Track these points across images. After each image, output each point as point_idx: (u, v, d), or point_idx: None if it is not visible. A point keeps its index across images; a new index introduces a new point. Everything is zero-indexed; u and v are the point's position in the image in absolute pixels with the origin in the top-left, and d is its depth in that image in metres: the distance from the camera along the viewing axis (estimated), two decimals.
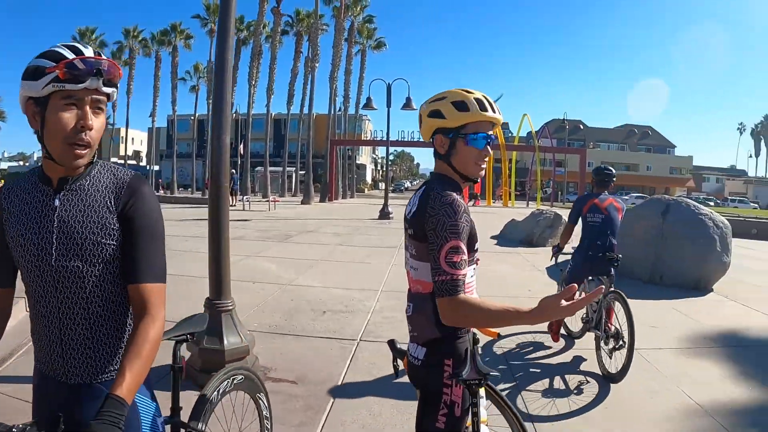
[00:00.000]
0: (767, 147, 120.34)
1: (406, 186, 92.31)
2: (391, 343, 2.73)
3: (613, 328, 5.90)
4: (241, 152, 48.53)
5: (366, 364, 5.66)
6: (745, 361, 6.37)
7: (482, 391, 2.62)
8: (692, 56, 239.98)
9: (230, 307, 5.17)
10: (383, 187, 41.48)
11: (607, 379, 5.59)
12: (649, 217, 11.31)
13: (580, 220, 6.74)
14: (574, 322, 6.97)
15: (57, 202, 1.80)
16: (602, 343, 5.92)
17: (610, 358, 5.72)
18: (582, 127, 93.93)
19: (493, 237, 17.11)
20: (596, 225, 6.56)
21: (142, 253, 1.84)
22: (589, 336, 6.47)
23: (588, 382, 5.60)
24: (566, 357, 6.45)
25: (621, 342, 5.67)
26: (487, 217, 24.74)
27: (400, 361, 2.68)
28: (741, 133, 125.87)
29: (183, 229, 17.16)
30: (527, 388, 5.33)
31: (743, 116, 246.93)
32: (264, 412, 3.11)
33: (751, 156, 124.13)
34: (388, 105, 25.04)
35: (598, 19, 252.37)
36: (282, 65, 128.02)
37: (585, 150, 53.23)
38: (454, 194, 2.30)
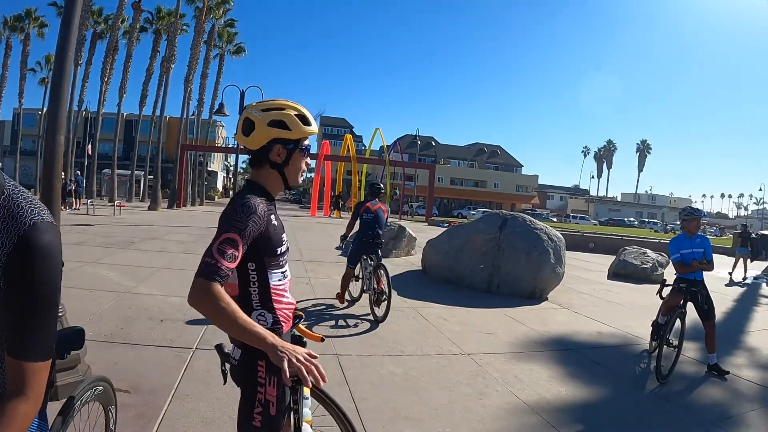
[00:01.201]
0: (608, 169, 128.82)
1: None
2: (219, 347, 2.67)
3: (380, 288, 8.63)
4: (89, 152, 46.33)
5: (201, 372, 5.58)
6: (572, 363, 6.93)
7: (306, 392, 2.68)
8: (544, 83, 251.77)
9: (60, 313, 4.98)
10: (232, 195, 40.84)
11: (377, 322, 8.24)
12: (487, 231, 11.90)
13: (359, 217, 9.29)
14: (355, 290, 9.78)
15: None
16: (373, 299, 8.70)
17: (378, 307, 8.53)
18: (434, 143, 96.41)
19: (337, 247, 17.16)
20: (368, 221, 9.19)
21: (27, 325, 1.57)
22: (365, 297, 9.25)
23: (363, 322, 8.23)
24: (350, 311, 9.14)
25: (384, 296, 8.45)
26: (333, 228, 25.04)
27: (227, 365, 2.66)
28: (585, 155, 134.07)
29: None
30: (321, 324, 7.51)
31: (588, 140, 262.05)
32: (111, 425, 3.01)
33: (593, 177, 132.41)
34: (241, 111, 24.73)
35: (453, 39, 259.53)
36: (138, 64, 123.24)
37: (434, 165, 54.67)
38: (257, 199, 2.41)
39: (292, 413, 2.57)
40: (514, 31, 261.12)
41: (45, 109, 54.67)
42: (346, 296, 9.56)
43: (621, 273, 16.14)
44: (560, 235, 11.96)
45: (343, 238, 9.69)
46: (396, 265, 14.25)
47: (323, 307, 9.28)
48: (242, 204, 2.36)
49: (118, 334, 6.75)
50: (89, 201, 30.13)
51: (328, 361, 6.21)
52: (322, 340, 2.72)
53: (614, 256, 17.48)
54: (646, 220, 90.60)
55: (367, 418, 4.81)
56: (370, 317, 8.49)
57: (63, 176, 34.27)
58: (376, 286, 8.72)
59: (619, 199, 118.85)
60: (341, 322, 8.28)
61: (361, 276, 9.47)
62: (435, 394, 5.48)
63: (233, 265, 2.25)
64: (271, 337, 2.14)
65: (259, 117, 2.46)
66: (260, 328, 2.16)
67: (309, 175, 73.64)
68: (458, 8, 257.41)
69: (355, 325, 8.08)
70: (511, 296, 10.97)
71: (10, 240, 1.58)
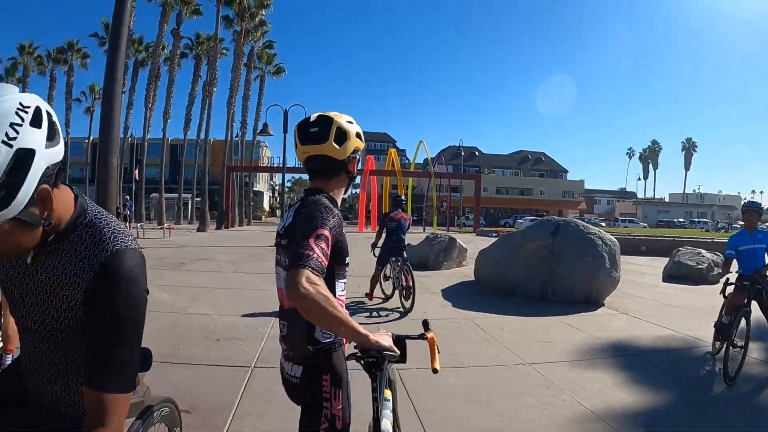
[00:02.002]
0: (654, 170, 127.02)
1: None
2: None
3: (408, 284, 10.01)
4: (137, 177, 47.14)
5: (260, 390, 5.51)
6: (634, 369, 6.67)
7: (387, 393, 2.76)
8: (584, 86, 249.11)
9: None
10: (280, 214, 41.09)
11: (405, 312, 9.66)
12: (539, 238, 11.69)
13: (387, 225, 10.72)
14: (387, 289, 11.21)
15: (29, 260, 1.62)
16: (402, 294, 10.11)
17: (407, 301, 9.92)
18: (477, 153, 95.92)
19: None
20: (393, 228, 10.64)
21: (108, 354, 1.52)
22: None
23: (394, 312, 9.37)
24: (382, 306, 10.44)
25: (411, 291, 9.85)
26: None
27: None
28: (630, 157, 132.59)
29: None
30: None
31: (632, 142, 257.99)
32: None
33: (639, 179, 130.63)
34: (285, 131, 24.92)
35: (489, 50, 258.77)
36: (180, 89, 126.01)
37: (479, 175, 54.69)
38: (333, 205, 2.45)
39: (372, 402, 2.50)
40: (552, 35, 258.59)
41: (92, 138, 56.27)
42: (380, 294, 11.20)
43: (676, 275, 15.71)
44: (614, 239, 11.67)
45: (374, 245, 11.09)
46: (448, 276, 14.17)
47: (379, 321, 9.17)
48: (325, 206, 2.37)
49: (175, 354, 6.74)
50: (139, 225, 30.54)
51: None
52: (435, 371, 2.60)
53: (667, 258, 17.09)
54: (696, 219, 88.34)
55: (432, 431, 4.69)
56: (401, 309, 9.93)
57: None
58: (404, 283, 10.14)
59: (667, 199, 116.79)
60: (374, 314, 9.33)
61: (390, 275, 11.03)
62: (499, 406, 5.32)
63: (326, 263, 2.17)
64: (363, 329, 2.19)
65: (349, 128, 2.55)
66: (355, 322, 2.17)
67: (355, 191, 74.14)
68: (499, 13, 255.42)
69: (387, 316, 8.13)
70: (566, 303, 10.70)
71: (93, 266, 1.55)
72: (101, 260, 1.55)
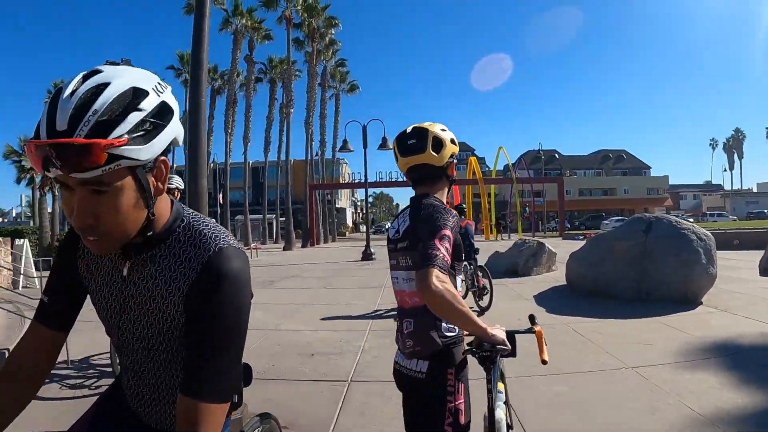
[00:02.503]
0: (740, 159, 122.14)
1: (386, 227, 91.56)
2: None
3: (482, 285, 11.07)
4: (221, 201, 48.34)
5: (359, 404, 5.48)
6: (742, 368, 6.31)
7: (501, 386, 2.92)
8: (659, 80, 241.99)
9: None
10: (364, 230, 41.42)
11: (482, 311, 10.38)
12: (631, 236, 11.34)
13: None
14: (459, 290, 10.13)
15: (125, 272, 1.58)
16: (476, 294, 11.12)
17: (481, 300, 10.94)
18: (557, 156, 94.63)
19: None
20: (462, 234, 9.86)
21: (208, 359, 1.43)
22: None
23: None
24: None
25: (486, 291, 11.00)
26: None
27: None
28: (713, 148, 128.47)
29: None
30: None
31: (714, 132, 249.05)
32: None
33: (725, 170, 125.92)
34: (365, 146, 24.92)
35: (576, 48, 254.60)
36: (258, 112, 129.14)
37: (562, 179, 53.75)
38: None
39: (486, 393, 2.62)
40: (624, 28, 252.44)
41: (175, 165, 58.15)
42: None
43: None
44: (709, 234, 11.16)
45: None
46: (539, 282, 13.94)
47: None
48: (443, 207, 2.55)
49: (270, 370, 6.80)
50: None
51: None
52: (545, 363, 2.72)
53: (762, 252, 16.23)
54: None
55: None
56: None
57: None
58: (477, 284, 11.09)
59: (755, 190, 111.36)
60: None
61: (463, 278, 10.26)
62: (604, 413, 5.12)
63: (450, 261, 2.38)
64: (483, 322, 2.40)
65: (444, 135, 2.70)
66: (475, 316, 2.36)
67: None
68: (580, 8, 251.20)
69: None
70: (662, 303, 10.26)
71: (194, 268, 1.49)
72: (203, 260, 1.49)
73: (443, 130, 2.73)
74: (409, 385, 2.60)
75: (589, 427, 4.81)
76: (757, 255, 16.73)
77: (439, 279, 2.20)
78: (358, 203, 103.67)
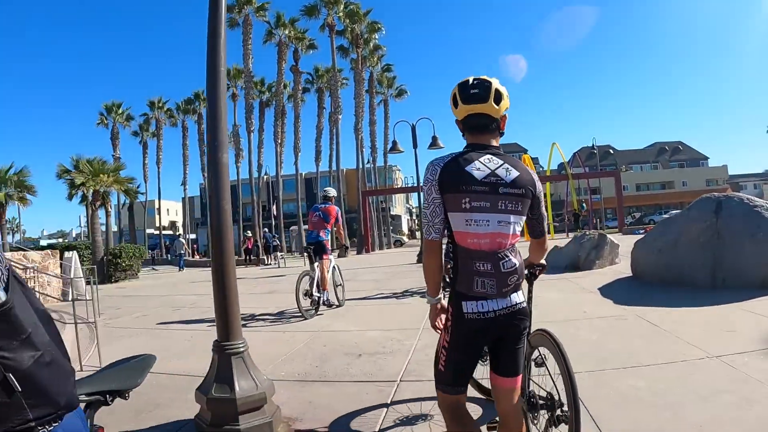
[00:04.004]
0: None
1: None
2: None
3: None
4: (274, 213, 48.60)
5: (407, 407, 4.90)
6: None
7: None
8: (712, 66, 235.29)
9: (241, 349, 4.49)
10: (419, 236, 40.75)
11: None
12: (701, 218, 10.45)
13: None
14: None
15: None
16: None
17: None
18: (612, 151, 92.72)
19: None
20: None
21: None
22: None
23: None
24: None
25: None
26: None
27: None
28: None
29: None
30: None
31: None
32: None
33: None
34: (415, 146, 24.06)
35: (609, 39, 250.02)
36: (306, 122, 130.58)
37: (618, 172, 51.94)
38: None
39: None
40: (676, 17, 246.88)
41: (230, 180, 59.06)
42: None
43: None
44: None
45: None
46: (603, 274, 13.12)
47: None
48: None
49: (313, 372, 6.33)
50: (279, 254, 31.06)
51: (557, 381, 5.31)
52: None
53: None
54: None
55: None
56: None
57: (250, 236, 36.13)
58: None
59: None
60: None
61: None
62: (693, 408, 4.40)
63: None
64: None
65: (503, 90, 2.87)
66: None
67: None
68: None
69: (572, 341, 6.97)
70: (740, 288, 9.30)
71: None
72: None
73: (502, 85, 2.88)
74: (511, 323, 2.83)
75: (680, 426, 4.11)
76: None
77: None
78: (413, 210, 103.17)
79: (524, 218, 2.91)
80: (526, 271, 3.22)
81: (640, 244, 12.00)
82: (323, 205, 10.92)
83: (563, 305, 9.58)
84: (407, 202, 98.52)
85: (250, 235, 38.32)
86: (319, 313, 10.18)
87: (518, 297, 2.83)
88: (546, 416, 3.42)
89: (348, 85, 51.92)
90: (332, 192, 11.29)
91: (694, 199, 11.62)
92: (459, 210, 2.75)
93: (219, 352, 4.44)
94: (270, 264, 31.29)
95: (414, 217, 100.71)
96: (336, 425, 4.63)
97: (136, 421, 4.89)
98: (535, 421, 3.46)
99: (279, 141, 49.69)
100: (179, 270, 30.41)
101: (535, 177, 2.91)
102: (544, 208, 3.03)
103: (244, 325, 9.36)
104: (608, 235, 15.72)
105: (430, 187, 2.82)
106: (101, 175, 24.11)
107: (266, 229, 44.42)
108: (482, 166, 2.78)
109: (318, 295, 10.18)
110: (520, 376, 2.97)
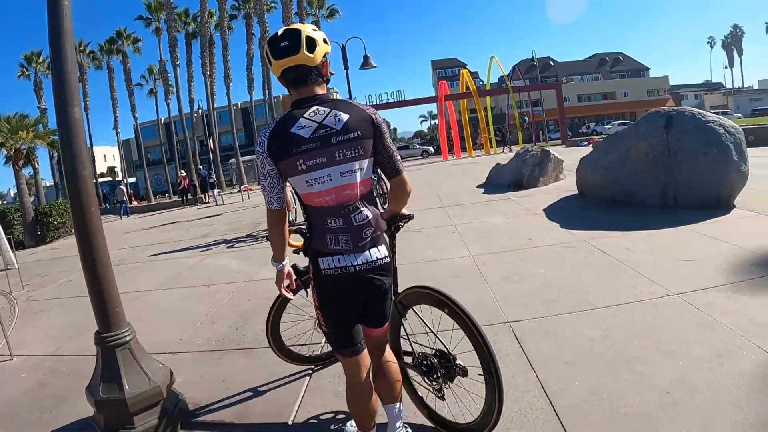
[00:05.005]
0: (739, 56, 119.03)
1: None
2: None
3: (383, 191, 11.11)
4: (212, 147, 47.33)
5: (333, 381, 4.21)
6: None
7: None
8: None
9: (127, 338, 3.72)
10: None
11: None
12: (650, 134, 9.84)
13: None
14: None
15: None
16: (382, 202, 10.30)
17: (385, 203, 7.74)
18: (552, 63, 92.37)
19: (479, 186, 15.93)
20: None
21: None
22: None
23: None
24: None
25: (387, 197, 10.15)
26: (471, 167, 23.88)
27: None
28: (711, 46, 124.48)
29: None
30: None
31: (711, 29, 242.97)
32: None
33: (726, 67, 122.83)
34: (346, 67, 23.09)
35: None
36: (237, 51, 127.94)
37: (559, 84, 51.50)
38: None
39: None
40: None
41: (161, 118, 58.08)
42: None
43: None
44: (738, 126, 9.77)
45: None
46: (548, 193, 12.65)
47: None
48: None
49: (233, 337, 5.61)
50: (216, 191, 30.22)
51: (498, 332, 4.69)
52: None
53: None
54: None
55: (571, 422, 3.27)
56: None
57: (185, 174, 35.04)
58: (381, 191, 11.12)
59: (756, 87, 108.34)
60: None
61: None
62: (657, 366, 3.79)
63: None
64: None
65: (316, 35, 2.71)
66: None
67: (434, 121, 71.48)
68: None
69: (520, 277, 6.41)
70: (692, 208, 8.87)
71: None
72: None
73: (314, 29, 2.74)
74: (373, 280, 2.73)
75: (643, 392, 3.48)
76: None
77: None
78: None
79: (371, 159, 2.74)
80: (387, 226, 3.00)
81: (586, 162, 11.41)
82: None
83: (507, 231, 9.10)
84: None
85: (185, 174, 37.20)
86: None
87: (378, 252, 2.76)
88: (442, 374, 3.20)
89: (277, 9, 50.08)
90: None
91: (636, 109, 11.14)
92: (297, 173, 2.66)
93: (101, 346, 3.68)
94: (208, 202, 30.29)
95: None
96: (246, 410, 3.98)
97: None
98: (434, 384, 3.24)
99: (208, 73, 48.59)
100: (122, 218, 29.42)
101: (371, 111, 2.76)
102: (390, 142, 2.81)
103: (168, 282, 8.64)
104: (551, 151, 15.22)
105: (262, 160, 2.73)
106: (20, 132, 22.62)
107: (201, 167, 43.35)
108: (308, 122, 2.67)
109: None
110: (387, 323, 2.98)
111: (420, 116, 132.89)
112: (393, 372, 3.05)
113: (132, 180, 68.92)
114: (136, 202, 48.66)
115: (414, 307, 3.39)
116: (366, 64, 22.47)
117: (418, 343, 3.28)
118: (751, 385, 3.38)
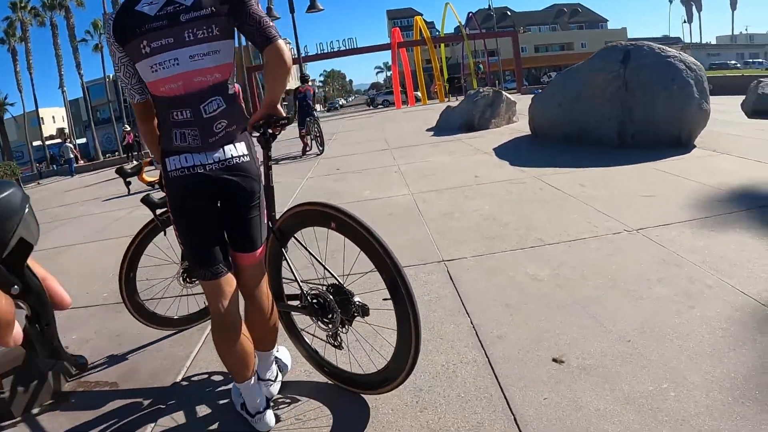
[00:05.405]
0: (698, 12, 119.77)
1: (341, 103, 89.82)
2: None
3: (318, 134, 14.06)
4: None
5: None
6: None
7: None
8: None
9: None
10: (319, 109, 39.29)
11: (320, 153, 13.64)
12: (606, 68, 9.25)
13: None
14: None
15: None
16: (318, 142, 14.11)
17: (320, 146, 14.02)
18: (509, 13, 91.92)
19: (428, 129, 15.44)
20: (301, 98, 14.45)
21: None
22: None
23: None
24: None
25: (320, 139, 13.98)
26: (423, 113, 23.31)
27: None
28: (671, 1, 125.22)
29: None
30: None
31: None
32: None
33: (684, 22, 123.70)
34: (291, 11, 22.05)
35: None
36: None
37: (516, 33, 50.96)
38: None
39: None
40: None
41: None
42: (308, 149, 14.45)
43: (762, 109, 12.83)
44: (699, 63, 9.22)
45: (294, 114, 14.89)
46: (499, 134, 12.17)
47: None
48: None
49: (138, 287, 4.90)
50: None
51: (432, 273, 4.04)
52: None
53: (742, 96, 14.28)
54: (750, 60, 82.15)
55: (509, 377, 2.66)
56: None
57: (129, 129, 33.95)
58: (316, 132, 14.04)
59: (714, 42, 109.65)
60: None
61: (310, 132, 14.34)
62: (615, 309, 3.19)
63: None
64: None
65: None
66: None
67: (389, 72, 70.30)
68: None
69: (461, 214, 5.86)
70: (651, 146, 8.41)
71: None
72: None
73: None
74: (230, 181, 2.32)
75: (601, 344, 2.86)
76: (736, 99, 14.81)
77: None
78: (310, 82, 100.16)
79: (230, 41, 2.29)
80: (259, 128, 2.53)
81: (539, 99, 10.85)
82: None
83: (453, 169, 8.58)
84: (299, 72, 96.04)
85: (129, 128, 35.84)
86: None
87: (235, 149, 2.34)
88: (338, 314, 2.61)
89: None
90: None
91: None
92: (141, 57, 2.24)
93: None
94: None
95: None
96: (135, 368, 3.37)
97: None
98: (330, 325, 2.63)
99: None
100: (73, 176, 28.47)
101: None
102: (258, 8, 2.30)
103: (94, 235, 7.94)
104: (504, 92, 14.63)
105: (111, 47, 2.33)
106: None
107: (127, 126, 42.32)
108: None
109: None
110: (261, 248, 2.53)
111: (375, 67, 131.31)
112: (268, 314, 2.62)
113: (82, 141, 66.91)
114: (83, 162, 47.36)
115: (296, 235, 2.81)
116: (313, 7, 21.45)
117: (308, 282, 2.71)
118: (729, 332, 2.79)
